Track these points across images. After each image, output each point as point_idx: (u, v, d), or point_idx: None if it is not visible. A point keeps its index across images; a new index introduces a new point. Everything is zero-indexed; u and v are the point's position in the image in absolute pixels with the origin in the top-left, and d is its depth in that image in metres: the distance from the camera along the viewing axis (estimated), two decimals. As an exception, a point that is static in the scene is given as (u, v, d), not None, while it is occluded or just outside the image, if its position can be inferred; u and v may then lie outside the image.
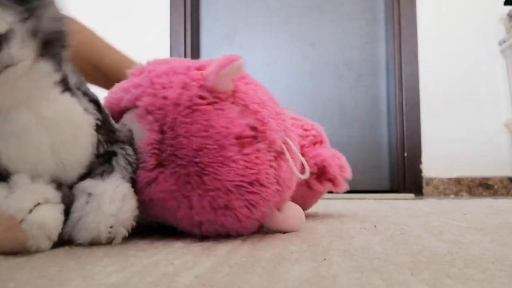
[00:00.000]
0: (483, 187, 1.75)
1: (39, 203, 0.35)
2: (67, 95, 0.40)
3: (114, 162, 0.43)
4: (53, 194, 0.37)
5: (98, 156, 0.42)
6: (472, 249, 0.37)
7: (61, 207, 0.37)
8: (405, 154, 1.80)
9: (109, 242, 0.40)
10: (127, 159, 0.44)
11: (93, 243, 0.39)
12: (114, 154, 0.44)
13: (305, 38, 1.95)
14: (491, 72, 1.80)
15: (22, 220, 0.33)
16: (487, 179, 1.75)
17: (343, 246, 0.38)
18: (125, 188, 0.42)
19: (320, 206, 0.99)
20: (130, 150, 0.44)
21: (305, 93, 1.90)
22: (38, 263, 0.31)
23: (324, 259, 0.32)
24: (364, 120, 1.90)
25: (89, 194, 0.39)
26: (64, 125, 0.39)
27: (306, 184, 0.63)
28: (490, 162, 1.76)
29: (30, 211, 0.34)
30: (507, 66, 1.77)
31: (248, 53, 1.95)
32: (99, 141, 0.42)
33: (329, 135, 0.73)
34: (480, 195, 1.73)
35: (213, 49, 1.99)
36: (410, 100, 1.82)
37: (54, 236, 0.36)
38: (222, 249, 0.37)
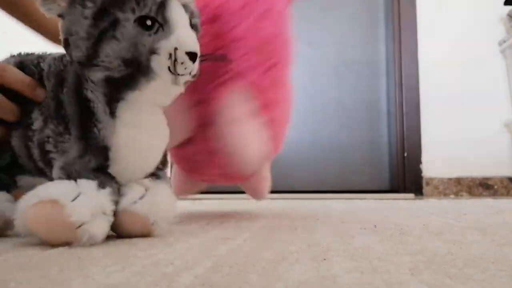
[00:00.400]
0: (483, 187, 1.75)
1: (96, 214, 0.39)
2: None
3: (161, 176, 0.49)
4: (109, 208, 0.40)
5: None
6: (472, 249, 0.37)
7: (112, 219, 0.41)
8: (405, 154, 1.80)
9: (146, 234, 0.43)
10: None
11: (133, 227, 0.43)
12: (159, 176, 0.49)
13: (304, 38, 1.95)
14: (491, 72, 1.80)
15: (79, 227, 0.37)
16: (487, 179, 1.75)
17: (343, 246, 0.38)
18: (174, 196, 0.47)
19: (320, 206, 0.99)
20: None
21: (305, 93, 1.90)
22: (38, 263, 0.31)
23: (324, 259, 0.32)
24: (364, 120, 1.90)
25: (146, 187, 0.44)
26: (165, 132, 0.46)
27: None
28: (490, 162, 1.76)
29: (88, 221, 0.38)
30: (507, 66, 1.77)
31: (248, 53, 1.95)
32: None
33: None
34: (480, 195, 1.73)
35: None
36: (410, 100, 1.82)
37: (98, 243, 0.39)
38: (222, 249, 0.37)
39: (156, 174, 0.47)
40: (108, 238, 0.41)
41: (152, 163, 0.46)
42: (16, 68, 0.46)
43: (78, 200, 0.37)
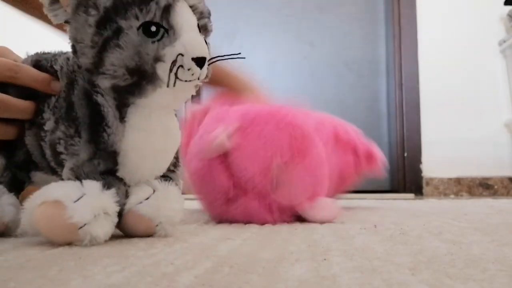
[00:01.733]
0: (483, 187, 1.75)
1: (98, 215, 0.39)
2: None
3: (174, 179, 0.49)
4: (113, 209, 0.40)
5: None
6: (472, 249, 0.37)
7: (115, 220, 0.41)
8: (405, 154, 1.80)
9: (150, 234, 0.44)
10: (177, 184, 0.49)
11: (140, 229, 0.43)
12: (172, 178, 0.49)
13: (305, 38, 1.95)
14: (491, 72, 1.80)
15: (81, 228, 0.37)
16: (487, 179, 1.75)
17: (343, 246, 0.38)
18: (182, 199, 0.47)
19: (320, 206, 0.99)
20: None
21: (305, 93, 1.90)
22: (38, 263, 0.31)
23: (324, 259, 0.32)
24: (364, 120, 1.90)
25: (155, 188, 0.44)
26: (177, 135, 0.46)
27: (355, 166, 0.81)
28: (490, 162, 1.76)
29: (89, 221, 0.38)
30: (507, 66, 1.78)
31: (248, 53, 1.95)
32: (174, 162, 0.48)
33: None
34: (480, 195, 1.73)
35: (213, 49, 1.99)
36: (410, 100, 1.82)
37: (100, 244, 0.40)
38: (222, 249, 0.37)
39: (167, 176, 0.47)
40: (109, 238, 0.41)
41: (162, 166, 0.45)
42: (29, 67, 0.46)
43: (80, 201, 0.37)
